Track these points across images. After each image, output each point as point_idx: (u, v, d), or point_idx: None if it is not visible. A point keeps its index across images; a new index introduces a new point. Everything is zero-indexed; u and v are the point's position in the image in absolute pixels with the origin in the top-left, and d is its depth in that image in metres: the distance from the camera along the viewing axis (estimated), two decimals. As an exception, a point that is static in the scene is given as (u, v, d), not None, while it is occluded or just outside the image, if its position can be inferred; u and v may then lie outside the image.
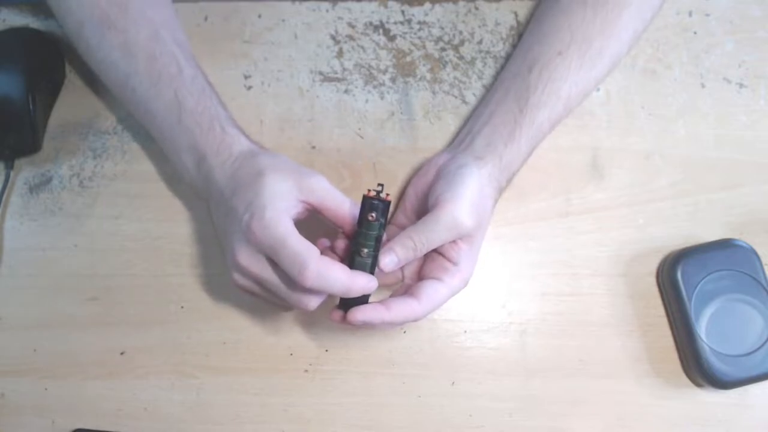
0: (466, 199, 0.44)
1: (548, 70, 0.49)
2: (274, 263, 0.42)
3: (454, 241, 0.45)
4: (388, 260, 0.43)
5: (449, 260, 0.45)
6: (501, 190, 0.48)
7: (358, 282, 0.41)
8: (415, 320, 0.44)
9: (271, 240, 0.40)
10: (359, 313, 0.42)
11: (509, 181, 0.49)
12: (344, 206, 0.43)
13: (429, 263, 0.46)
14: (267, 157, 0.45)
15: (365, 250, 0.42)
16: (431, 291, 0.43)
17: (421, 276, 0.46)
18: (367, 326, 0.43)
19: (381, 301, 0.43)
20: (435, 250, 0.45)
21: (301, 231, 0.41)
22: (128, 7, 0.48)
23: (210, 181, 0.46)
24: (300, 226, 0.42)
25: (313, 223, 0.45)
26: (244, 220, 0.42)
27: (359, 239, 0.42)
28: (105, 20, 0.48)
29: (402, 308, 0.43)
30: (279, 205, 0.42)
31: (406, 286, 0.46)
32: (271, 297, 0.44)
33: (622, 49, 0.50)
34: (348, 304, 0.43)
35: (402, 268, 0.48)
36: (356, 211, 0.43)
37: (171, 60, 0.48)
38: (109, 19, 0.48)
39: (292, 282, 0.41)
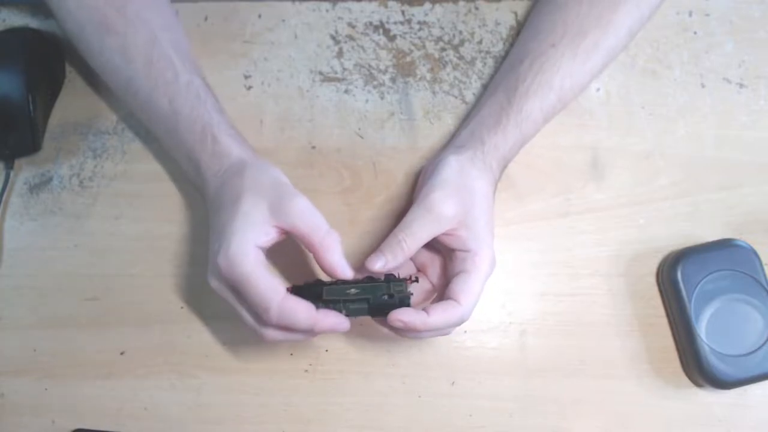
0: (441, 187, 0.44)
1: (539, 62, 0.49)
2: (241, 296, 0.42)
3: (450, 234, 0.44)
4: (375, 261, 0.43)
5: (462, 250, 0.44)
6: (492, 171, 0.48)
7: (325, 321, 0.41)
8: (461, 322, 0.43)
9: (235, 277, 0.41)
10: (401, 314, 0.41)
11: (502, 164, 0.49)
12: (317, 234, 0.41)
13: (450, 263, 0.46)
14: (251, 175, 0.44)
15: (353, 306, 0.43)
16: (463, 285, 0.43)
17: (447, 277, 0.46)
18: (411, 332, 0.42)
19: (423, 308, 0.43)
20: (447, 247, 0.45)
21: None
22: (126, 9, 0.48)
23: (204, 191, 0.47)
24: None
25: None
26: (213, 251, 0.42)
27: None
28: (104, 24, 0.48)
29: (443, 312, 0.42)
30: (247, 237, 0.41)
31: (440, 293, 0.47)
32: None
33: (618, 45, 0.50)
34: (377, 315, 0.43)
35: (429, 278, 0.47)
36: (330, 241, 0.42)
37: (167, 65, 0.48)
38: (108, 22, 0.48)
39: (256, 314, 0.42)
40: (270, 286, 0.40)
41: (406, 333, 0.43)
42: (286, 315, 0.40)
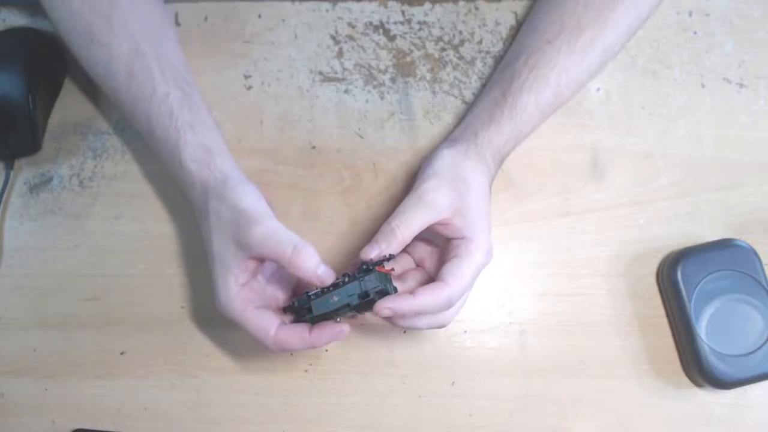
0: (434, 178, 0.45)
1: (535, 58, 0.49)
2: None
3: (445, 223, 0.44)
4: (370, 251, 0.42)
5: (457, 238, 0.44)
6: (487, 163, 0.47)
7: (322, 338, 0.42)
8: (450, 304, 0.42)
9: (231, 319, 0.44)
10: (387, 302, 0.41)
11: (497, 158, 0.49)
12: (284, 256, 0.41)
13: (446, 252, 0.45)
14: (213, 209, 0.44)
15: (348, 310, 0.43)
16: (453, 268, 0.43)
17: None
18: (401, 317, 0.42)
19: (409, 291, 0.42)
20: (443, 236, 0.45)
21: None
22: (112, 18, 0.48)
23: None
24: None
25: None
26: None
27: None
28: (89, 33, 0.48)
29: (430, 293, 0.41)
30: (228, 282, 0.43)
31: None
32: None
33: (616, 43, 0.50)
34: (360, 310, 0.43)
35: (428, 272, 0.47)
36: (300, 259, 0.41)
37: (147, 78, 0.47)
38: (93, 32, 0.48)
39: None
40: (260, 326, 0.43)
41: (397, 320, 0.42)
42: (282, 347, 0.43)
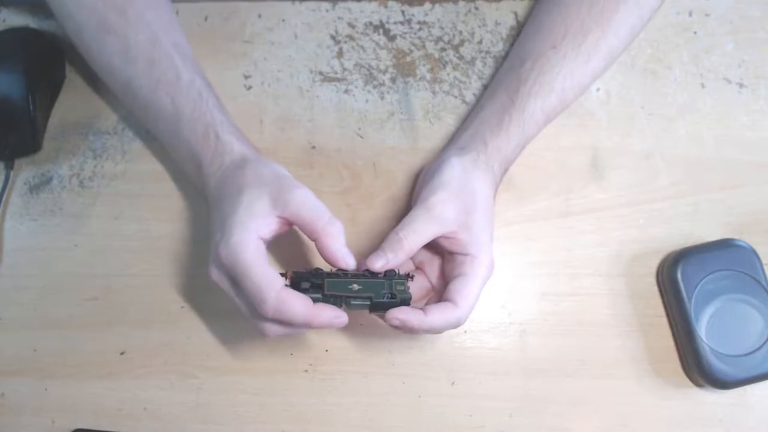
0: (443, 189, 0.45)
1: (540, 63, 0.49)
2: (239, 287, 0.42)
3: (450, 237, 0.44)
4: (376, 260, 0.43)
5: (461, 253, 0.44)
6: (494, 173, 0.48)
7: (322, 315, 0.40)
8: (459, 324, 0.43)
9: (235, 267, 0.40)
10: (399, 313, 0.41)
11: (504, 166, 0.49)
12: (319, 222, 0.41)
13: (449, 264, 0.46)
14: (253, 169, 0.44)
15: (357, 302, 0.42)
16: (461, 287, 0.43)
17: (446, 279, 0.46)
18: (407, 329, 0.42)
19: (420, 307, 0.43)
20: (446, 250, 0.45)
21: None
22: (126, 10, 0.48)
23: (205, 189, 0.47)
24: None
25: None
26: (215, 240, 0.42)
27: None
28: (104, 25, 0.48)
29: (440, 313, 0.42)
30: (249, 226, 0.41)
31: (438, 292, 0.47)
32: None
33: (619, 44, 0.50)
34: (376, 311, 0.43)
35: (428, 276, 0.47)
36: (332, 229, 0.41)
37: (169, 65, 0.48)
38: (108, 23, 0.48)
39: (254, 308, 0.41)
40: (268, 279, 0.40)
41: (401, 329, 0.43)
42: (282, 309, 0.40)
